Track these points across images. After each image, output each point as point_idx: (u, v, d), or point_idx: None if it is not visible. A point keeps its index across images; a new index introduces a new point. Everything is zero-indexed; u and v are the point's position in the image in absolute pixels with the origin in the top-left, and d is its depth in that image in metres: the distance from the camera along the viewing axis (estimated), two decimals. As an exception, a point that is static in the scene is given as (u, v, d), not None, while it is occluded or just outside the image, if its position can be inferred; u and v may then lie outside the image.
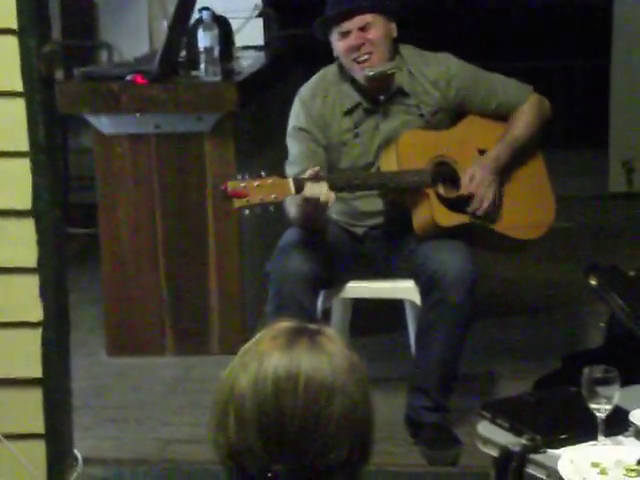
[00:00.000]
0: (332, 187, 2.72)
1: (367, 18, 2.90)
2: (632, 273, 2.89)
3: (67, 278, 2.72)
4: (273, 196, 2.63)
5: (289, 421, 1.33)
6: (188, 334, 3.61)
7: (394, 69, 2.94)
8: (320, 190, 2.67)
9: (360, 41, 2.89)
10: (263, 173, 2.64)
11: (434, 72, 2.99)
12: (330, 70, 3.03)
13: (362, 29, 2.90)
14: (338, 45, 2.94)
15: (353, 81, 2.97)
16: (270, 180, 2.64)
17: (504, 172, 3.01)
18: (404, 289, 2.98)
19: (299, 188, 2.67)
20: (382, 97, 2.97)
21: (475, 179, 2.91)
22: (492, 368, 3.42)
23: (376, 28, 2.91)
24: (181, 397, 3.34)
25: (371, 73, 2.90)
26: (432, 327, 2.84)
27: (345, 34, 2.91)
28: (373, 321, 3.65)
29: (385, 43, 2.93)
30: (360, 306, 3.22)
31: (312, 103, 2.97)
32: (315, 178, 2.68)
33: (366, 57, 2.90)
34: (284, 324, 1.41)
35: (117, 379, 3.48)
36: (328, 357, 1.36)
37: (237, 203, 2.61)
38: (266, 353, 1.36)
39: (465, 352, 2.91)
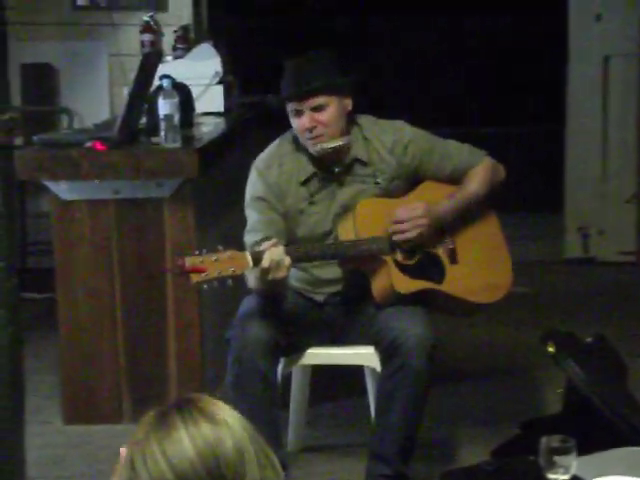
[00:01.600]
0: (290, 259, 2.73)
1: (320, 100, 2.92)
2: (589, 340, 2.92)
3: (22, 344, 2.69)
4: (231, 270, 2.63)
5: None
6: (146, 401, 3.57)
7: (344, 145, 2.97)
8: (278, 261, 2.67)
9: (312, 124, 2.92)
10: (220, 247, 2.64)
11: (390, 139, 3.03)
12: (286, 139, 3.06)
13: (315, 109, 2.93)
14: (292, 121, 2.98)
15: (309, 152, 3.00)
16: (228, 253, 2.64)
17: (459, 234, 3.04)
18: (364, 355, 2.99)
19: (257, 261, 2.67)
20: (337, 169, 3.00)
21: (409, 207, 2.94)
22: (451, 434, 3.42)
23: (329, 109, 2.93)
24: (138, 466, 3.28)
25: (322, 149, 2.94)
26: (392, 393, 2.84)
27: (298, 112, 2.94)
28: (333, 387, 3.64)
29: (338, 121, 2.95)
30: (320, 372, 3.21)
31: (268, 172, 2.99)
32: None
33: (318, 135, 2.94)
34: (152, 412, 1.38)
35: (73, 448, 3.43)
36: (225, 422, 1.34)
37: (195, 278, 2.60)
38: (147, 453, 1.32)
39: (424, 418, 2.91)
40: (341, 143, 2.95)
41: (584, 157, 5.35)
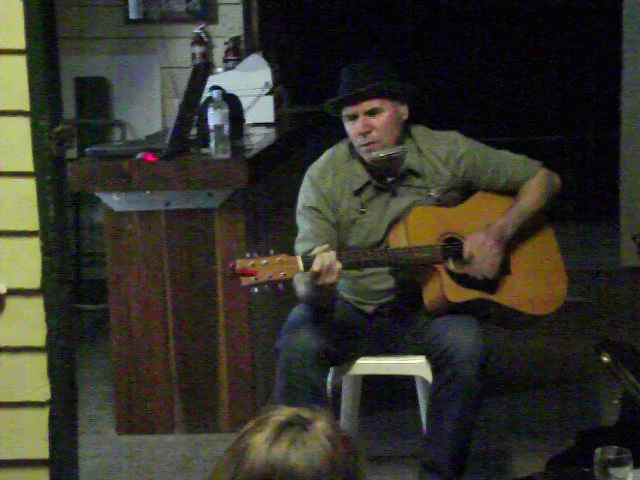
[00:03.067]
0: (341, 265, 2.71)
1: (374, 103, 2.91)
2: (644, 349, 2.86)
3: (76, 355, 2.71)
4: (282, 274, 2.63)
5: None
6: (198, 411, 3.58)
7: (400, 153, 2.95)
8: (329, 260, 2.67)
9: (367, 128, 2.91)
10: (272, 251, 2.65)
11: (444, 151, 3.01)
12: (340, 148, 3.04)
13: (369, 113, 2.92)
14: (347, 127, 2.97)
15: (363, 160, 2.98)
16: (279, 258, 2.64)
17: (513, 245, 3.00)
18: (415, 365, 2.96)
19: (308, 266, 2.67)
20: (390, 179, 2.99)
21: (476, 243, 2.91)
22: (504, 445, 3.37)
23: (383, 113, 2.92)
24: (190, 476, 3.30)
25: (377, 157, 2.92)
26: (444, 403, 2.81)
27: (352, 117, 2.93)
28: (384, 398, 3.62)
29: (393, 127, 2.94)
30: (370, 383, 3.19)
31: (322, 182, 2.98)
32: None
33: (373, 142, 2.92)
34: (275, 415, 1.39)
35: (126, 458, 3.44)
36: (306, 454, 1.34)
37: (245, 281, 2.61)
38: (248, 449, 1.34)
39: (476, 429, 2.87)
40: (396, 151, 2.93)
41: (639, 164, 5.27)
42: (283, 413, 1.39)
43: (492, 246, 2.91)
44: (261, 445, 1.34)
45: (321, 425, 1.39)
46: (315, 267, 2.66)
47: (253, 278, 2.60)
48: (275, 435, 1.35)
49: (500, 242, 2.94)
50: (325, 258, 2.67)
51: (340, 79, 2.97)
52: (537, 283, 3.04)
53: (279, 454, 1.32)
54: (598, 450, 2.01)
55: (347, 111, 2.93)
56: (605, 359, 2.71)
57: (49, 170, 2.54)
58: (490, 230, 2.94)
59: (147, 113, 5.03)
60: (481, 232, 2.94)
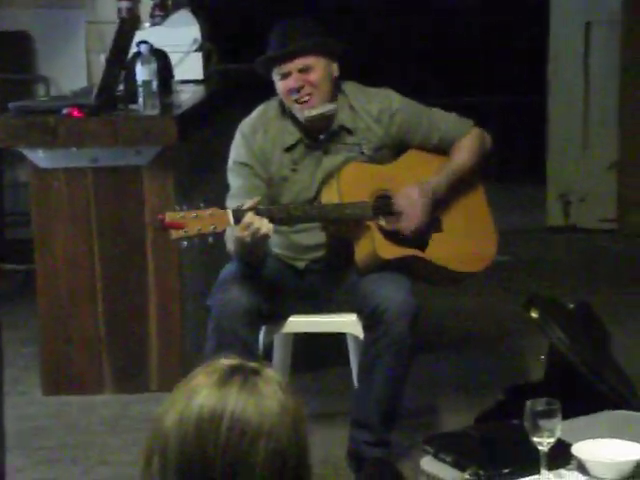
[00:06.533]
0: (272, 219, 2.70)
1: (307, 60, 2.89)
2: (571, 305, 2.91)
3: (1, 316, 2.65)
4: (212, 227, 2.61)
5: (211, 464, 1.28)
6: (126, 371, 3.55)
7: (333, 110, 2.94)
8: (260, 221, 2.65)
9: (300, 83, 2.88)
10: (202, 204, 2.62)
11: (377, 108, 3.00)
12: (271, 105, 3.02)
13: (302, 71, 2.89)
14: (279, 85, 2.93)
15: (294, 118, 2.96)
16: (209, 211, 2.62)
17: (444, 203, 3.02)
18: (346, 323, 2.97)
19: (238, 219, 2.65)
20: (322, 136, 2.97)
21: (406, 198, 2.92)
22: (434, 402, 3.41)
23: (316, 70, 2.90)
24: (120, 436, 3.27)
25: (310, 115, 2.90)
26: (375, 360, 2.82)
27: (285, 75, 2.90)
28: (315, 355, 3.62)
29: (326, 84, 2.92)
30: (302, 340, 3.19)
31: (253, 138, 2.96)
32: (254, 209, 2.67)
33: (306, 99, 2.90)
34: (223, 361, 1.37)
35: (53, 418, 3.40)
36: (257, 399, 1.31)
37: (175, 234, 2.59)
38: (195, 391, 1.32)
39: (407, 386, 2.90)
40: (329, 108, 2.92)
41: (565, 125, 5.34)
42: (231, 360, 1.37)
43: (423, 203, 2.92)
44: (211, 386, 1.32)
45: (271, 373, 1.37)
46: (245, 220, 2.64)
47: (182, 231, 2.58)
48: (226, 376, 1.33)
49: (431, 199, 2.94)
50: (255, 218, 2.65)
51: (271, 37, 2.93)
52: (467, 241, 3.06)
53: (229, 395, 1.31)
54: (528, 403, 2.04)
55: (280, 69, 2.90)
56: (533, 315, 2.74)
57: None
58: (422, 187, 2.95)
59: (72, 69, 4.92)
60: (412, 187, 2.94)
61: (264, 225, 2.66)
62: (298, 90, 2.89)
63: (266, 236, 2.69)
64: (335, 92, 2.97)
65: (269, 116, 2.99)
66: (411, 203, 2.91)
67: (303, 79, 2.89)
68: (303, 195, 2.96)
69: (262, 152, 2.94)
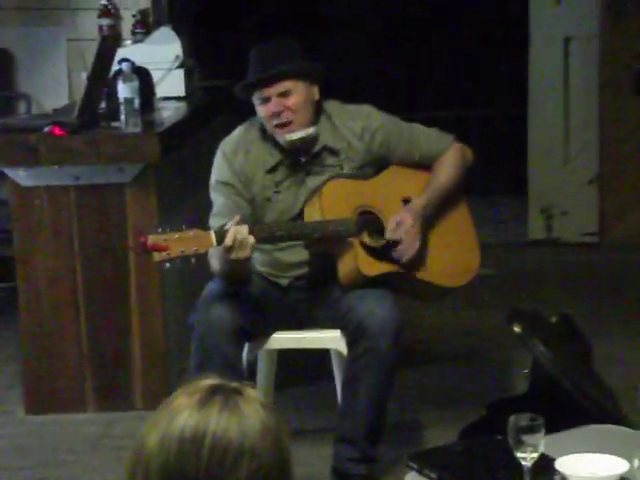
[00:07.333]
0: (255, 239, 2.70)
1: (287, 85, 2.89)
2: (554, 319, 2.92)
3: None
4: (194, 248, 2.60)
5: None
6: (109, 389, 3.53)
7: (314, 134, 2.93)
8: (242, 234, 2.65)
9: (280, 108, 2.88)
10: (184, 226, 2.61)
11: (359, 125, 3.00)
12: (254, 125, 3.01)
13: (282, 95, 2.89)
14: (259, 109, 2.93)
15: (275, 140, 2.96)
16: (191, 232, 2.61)
17: (429, 220, 3.02)
18: (330, 339, 2.97)
19: (221, 240, 2.64)
20: (303, 158, 2.97)
21: (403, 226, 2.92)
22: (418, 416, 3.41)
23: (296, 94, 2.90)
24: (103, 454, 3.25)
25: (291, 139, 2.90)
26: (358, 376, 2.82)
27: (265, 100, 2.90)
28: (299, 372, 3.62)
29: (306, 108, 2.92)
30: (286, 357, 3.19)
31: (234, 158, 2.96)
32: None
33: (286, 122, 2.89)
34: (204, 381, 1.37)
35: (36, 438, 3.38)
36: (239, 418, 1.31)
37: (157, 257, 2.57)
38: (177, 412, 1.32)
39: (391, 401, 2.90)
40: (310, 132, 2.92)
41: (546, 139, 5.37)
42: (212, 380, 1.37)
43: (417, 230, 2.93)
44: (193, 406, 1.32)
45: (252, 392, 1.37)
46: (228, 241, 2.64)
47: (165, 253, 2.57)
48: (207, 396, 1.33)
49: (422, 222, 2.96)
50: (238, 232, 2.65)
51: (250, 61, 2.93)
52: (450, 256, 3.07)
53: (211, 416, 1.31)
54: (512, 418, 2.04)
55: (259, 94, 2.90)
56: (516, 329, 2.75)
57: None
58: (414, 210, 2.95)
59: (53, 86, 4.90)
60: (405, 213, 2.94)
61: (246, 244, 2.66)
62: (278, 114, 2.89)
63: (248, 254, 2.69)
64: (316, 115, 2.97)
65: (250, 138, 2.99)
66: (407, 231, 2.92)
67: (283, 104, 2.89)
68: (287, 215, 2.96)
69: (243, 172, 2.94)
